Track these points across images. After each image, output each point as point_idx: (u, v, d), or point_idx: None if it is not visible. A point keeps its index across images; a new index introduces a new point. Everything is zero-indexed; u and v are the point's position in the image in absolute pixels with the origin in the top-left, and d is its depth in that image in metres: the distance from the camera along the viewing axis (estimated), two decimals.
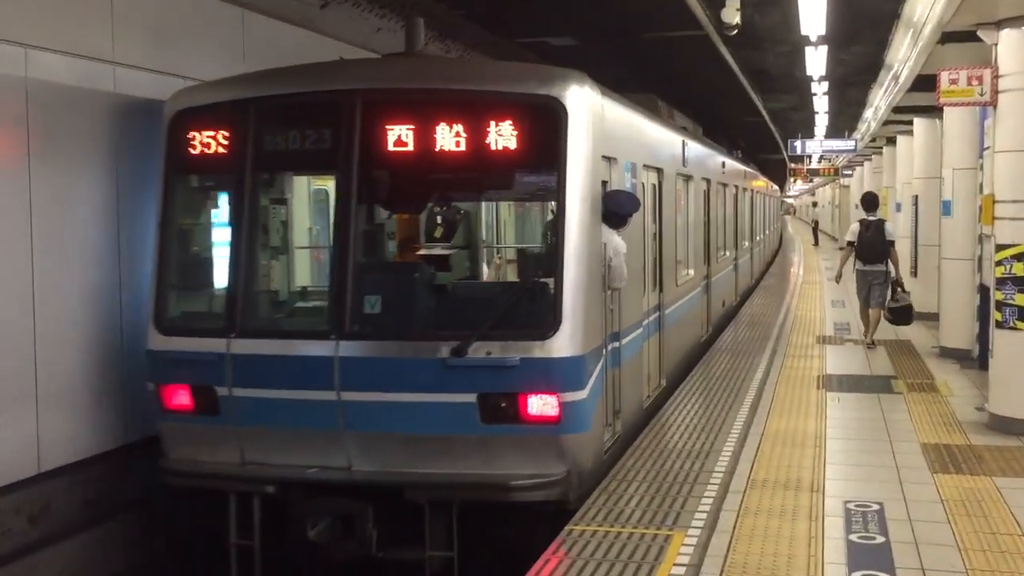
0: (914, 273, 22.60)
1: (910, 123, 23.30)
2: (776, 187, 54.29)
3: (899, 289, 17.58)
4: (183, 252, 10.38)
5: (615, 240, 10.40)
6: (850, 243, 18.03)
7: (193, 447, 9.84)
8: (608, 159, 10.48)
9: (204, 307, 10.34)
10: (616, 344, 10.76)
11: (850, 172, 54.61)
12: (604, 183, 10.22)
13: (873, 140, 32.99)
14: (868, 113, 32.76)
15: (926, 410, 12.91)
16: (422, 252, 11.21)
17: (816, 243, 60.81)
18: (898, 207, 26.95)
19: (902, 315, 17.48)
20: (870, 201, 18.52)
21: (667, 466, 10.14)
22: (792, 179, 78.01)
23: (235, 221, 9.87)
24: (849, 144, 40.12)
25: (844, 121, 41.98)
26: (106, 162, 10.41)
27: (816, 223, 67.25)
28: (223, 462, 9.70)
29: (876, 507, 8.88)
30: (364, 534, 9.28)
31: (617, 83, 12.45)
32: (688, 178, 16.55)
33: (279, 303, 10.70)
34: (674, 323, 14.68)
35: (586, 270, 9.34)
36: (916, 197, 22.59)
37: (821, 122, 41.47)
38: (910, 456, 10.63)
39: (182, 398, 9.83)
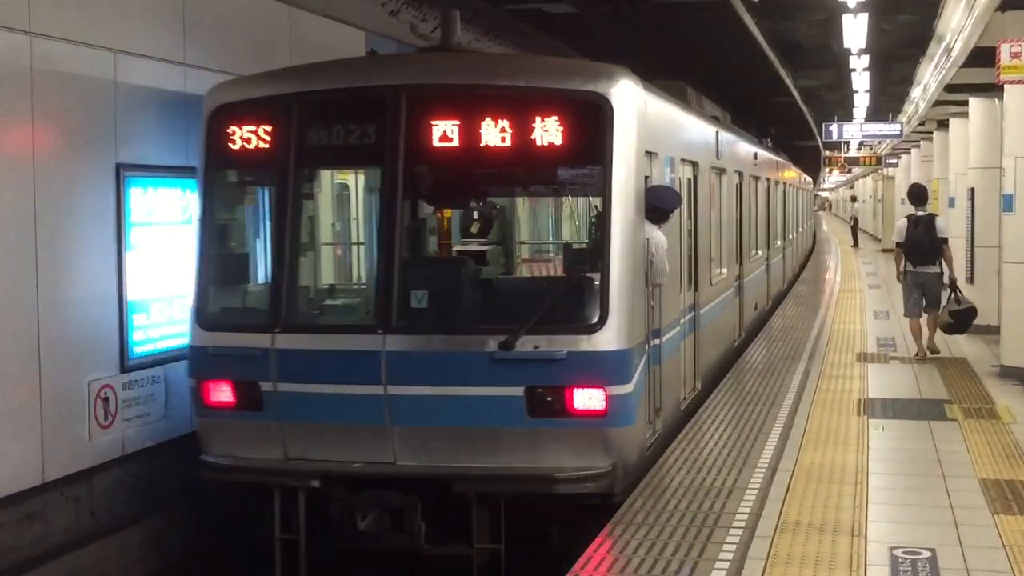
0: (970, 279, 22.61)
1: (965, 104, 23.33)
2: (808, 179, 54.29)
3: (957, 291, 18.04)
4: (225, 247, 11.73)
5: (657, 235, 11.78)
6: (899, 244, 18.50)
7: (233, 443, 11.09)
8: (650, 154, 11.76)
9: (247, 302, 11.60)
10: (657, 341, 12.09)
11: (895, 161, 55.30)
12: (646, 178, 11.48)
13: (922, 124, 33.31)
14: (916, 92, 33.02)
15: (985, 440, 12.91)
16: (459, 248, 12.72)
17: (855, 244, 61.01)
18: (951, 202, 26.96)
19: (964, 319, 18.01)
20: (918, 194, 18.79)
21: (681, 506, 10.25)
22: (827, 169, 77.70)
23: (278, 216, 11.11)
24: (893, 128, 40.22)
25: (887, 102, 42.42)
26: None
27: (855, 220, 67.47)
28: (266, 458, 10.95)
29: (927, 554, 8.85)
30: (413, 526, 10.45)
31: (617, 57, 13.20)
32: (721, 171, 17.88)
33: (323, 298, 12.18)
34: (709, 323, 16.05)
35: (632, 265, 10.76)
36: (972, 190, 22.65)
37: (861, 103, 41.40)
38: (967, 494, 10.60)
39: (224, 394, 11.07)
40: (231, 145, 11.28)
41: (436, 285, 10.95)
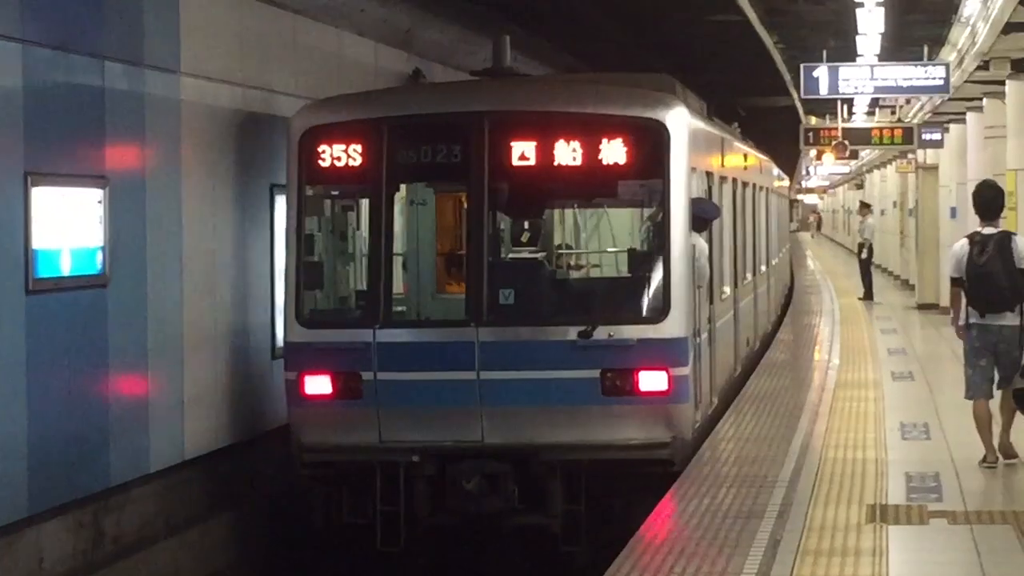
0: None
1: None
2: (777, 173, 34.60)
3: None
4: (318, 255, 14.37)
5: (700, 242, 14.68)
6: (956, 280, 13.86)
7: (329, 430, 13.52)
8: (693, 170, 14.38)
9: (346, 303, 14.57)
10: (698, 340, 14.54)
11: (936, 136, 34.07)
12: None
13: (984, 66, 21.45)
14: (970, 8, 21.59)
15: None
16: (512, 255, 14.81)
17: (868, 295, 37.43)
18: None
19: None
20: (988, 200, 13.97)
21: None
22: (812, 154, 53.21)
23: (373, 227, 13.80)
24: (933, 75, 24.69)
25: (919, 26, 25.55)
26: None
27: (867, 250, 38.26)
28: (362, 442, 13.47)
29: None
30: (507, 490, 13.27)
31: None
32: (724, 179, 18.44)
33: (416, 297, 15.40)
34: (720, 338, 17.14)
35: (687, 266, 13.73)
36: None
37: (870, 25, 23.04)
38: None
39: (323, 385, 13.52)
40: (322, 163, 13.72)
41: (520, 284, 13.67)
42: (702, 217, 14.61)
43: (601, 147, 13.48)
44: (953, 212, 28.64)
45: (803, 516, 11.95)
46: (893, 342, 26.39)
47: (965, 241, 13.81)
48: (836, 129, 34.32)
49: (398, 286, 14.74)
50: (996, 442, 13.81)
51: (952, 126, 32.06)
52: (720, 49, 28.77)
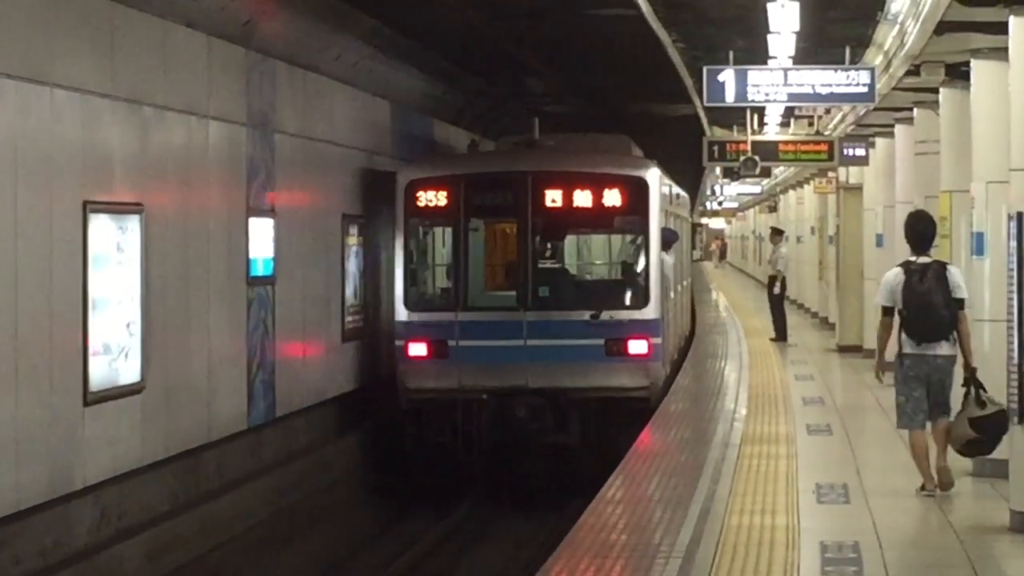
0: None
1: (1001, 29, 13.97)
2: (677, 193, 31.29)
3: (978, 387, 14.04)
4: (418, 262, 22.27)
5: (666, 258, 23.24)
6: (886, 310, 14.74)
7: (424, 379, 21.09)
8: (662, 208, 22.85)
9: (437, 294, 22.33)
10: (664, 322, 22.59)
11: (859, 151, 29.74)
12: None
13: (915, 72, 19.15)
14: (899, 4, 19.52)
15: None
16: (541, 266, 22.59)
17: (781, 336, 33.68)
18: (977, 243, 16.25)
19: (994, 430, 13.75)
20: (920, 232, 14.75)
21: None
22: (716, 171, 47.92)
23: (456, 244, 21.73)
24: (857, 81, 21.84)
25: (838, 25, 22.77)
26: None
27: (779, 283, 34.24)
28: (447, 386, 21.03)
29: None
30: (544, 418, 20.81)
31: None
32: (670, 214, 26.46)
33: (479, 291, 22.60)
34: (672, 324, 26.34)
35: (659, 273, 21.61)
36: (1020, 215, 13.18)
37: (784, 23, 20.51)
38: None
39: (421, 349, 21.06)
40: (419, 203, 21.48)
41: (551, 284, 21.69)
42: (668, 240, 23.13)
43: (604, 194, 21.45)
44: (879, 240, 25.62)
45: None
46: (809, 390, 24.48)
47: (899, 270, 14.41)
48: (745, 143, 29.50)
49: (473, 285, 22.30)
50: (934, 467, 14.39)
51: (878, 140, 28.74)
52: (608, 48, 26.36)
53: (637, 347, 21.02)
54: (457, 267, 21.71)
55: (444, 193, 21.39)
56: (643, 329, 21.15)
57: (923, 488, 14.58)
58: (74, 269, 13.90)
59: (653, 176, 21.88)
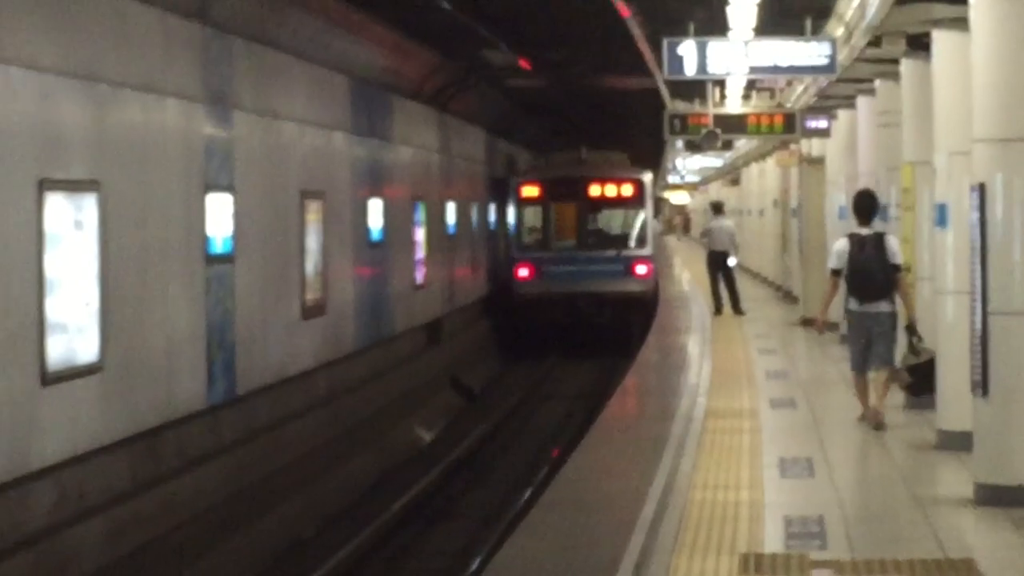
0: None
1: (961, 0, 13.82)
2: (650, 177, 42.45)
3: (916, 336, 16.30)
4: (525, 224, 40.15)
5: (655, 222, 50.05)
6: (835, 271, 17.09)
7: (528, 288, 38.30)
8: (653, 196, 44.48)
9: (535, 242, 39.63)
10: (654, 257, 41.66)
11: (822, 122, 30.02)
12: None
13: (876, 43, 18.97)
14: None
15: None
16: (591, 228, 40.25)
17: (722, 307, 32.91)
18: (940, 214, 16.15)
19: (924, 374, 15.98)
20: (866, 206, 17.01)
21: None
22: (678, 143, 46.40)
23: (544, 217, 39.81)
24: (818, 53, 21.66)
25: (801, 1, 22.29)
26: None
27: (720, 256, 33.51)
28: (542, 292, 38.24)
29: None
30: (593, 307, 37.86)
31: None
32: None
33: (556, 241, 39.96)
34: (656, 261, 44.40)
35: (653, 230, 41.98)
36: (982, 186, 13.16)
37: None
38: None
39: (526, 272, 38.32)
40: (523, 194, 39.27)
41: (594, 236, 38.94)
42: (657, 209, 48.21)
43: (621, 188, 38.26)
44: (842, 212, 25.07)
45: (664, 568, 10.90)
46: (772, 363, 23.92)
47: (846, 239, 16.97)
48: (706, 116, 29.40)
49: (552, 237, 38.96)
50: (872, 407, 16.77)
51: (840, 112, 27.99)
52: (564, 19, 26.26)
53: (640, 270, 37.66)
54: (545, 227, 39.00)
55: (538, 188, 38.81)
56: (645, 260, 37.92)
57: (862, 416, 17.05)
58: (30, 248, 13.65)
59: (647, 177, 39.84)
